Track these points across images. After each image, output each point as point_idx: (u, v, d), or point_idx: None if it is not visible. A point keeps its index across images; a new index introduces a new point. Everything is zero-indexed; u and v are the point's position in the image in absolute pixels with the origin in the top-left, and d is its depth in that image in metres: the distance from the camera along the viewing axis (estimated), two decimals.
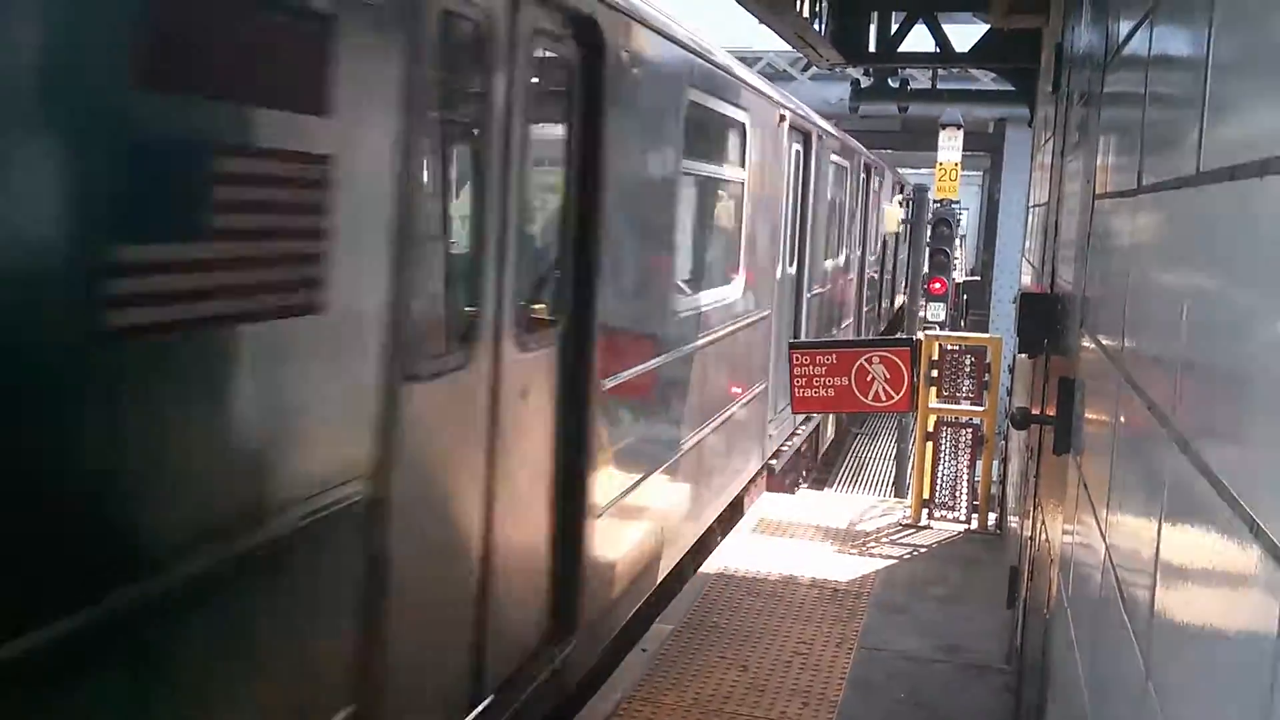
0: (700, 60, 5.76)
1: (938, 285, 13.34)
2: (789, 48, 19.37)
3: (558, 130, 4.11)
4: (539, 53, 3.80)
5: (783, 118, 7.63)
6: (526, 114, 3.61)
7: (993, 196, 25.98)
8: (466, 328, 3.38)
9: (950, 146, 13.19)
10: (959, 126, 13.24)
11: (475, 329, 3.40)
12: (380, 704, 2.90)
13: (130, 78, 1.94)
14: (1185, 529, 1.32)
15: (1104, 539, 2.04)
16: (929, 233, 12.88)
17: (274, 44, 2.35)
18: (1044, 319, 3.85)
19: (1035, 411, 3.92)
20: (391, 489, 2.83)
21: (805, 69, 20.24)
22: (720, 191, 6.94)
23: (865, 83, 8.06)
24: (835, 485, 13.35)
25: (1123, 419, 1.93)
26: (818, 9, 6.12)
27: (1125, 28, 2.30)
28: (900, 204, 17.26)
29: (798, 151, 8.43)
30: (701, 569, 6.54)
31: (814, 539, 7.17)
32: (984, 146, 23.04)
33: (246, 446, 2.33)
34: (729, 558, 6.72)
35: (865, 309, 14.74)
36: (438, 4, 3.01)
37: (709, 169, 6.45)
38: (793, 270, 8.91)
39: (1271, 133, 1.11)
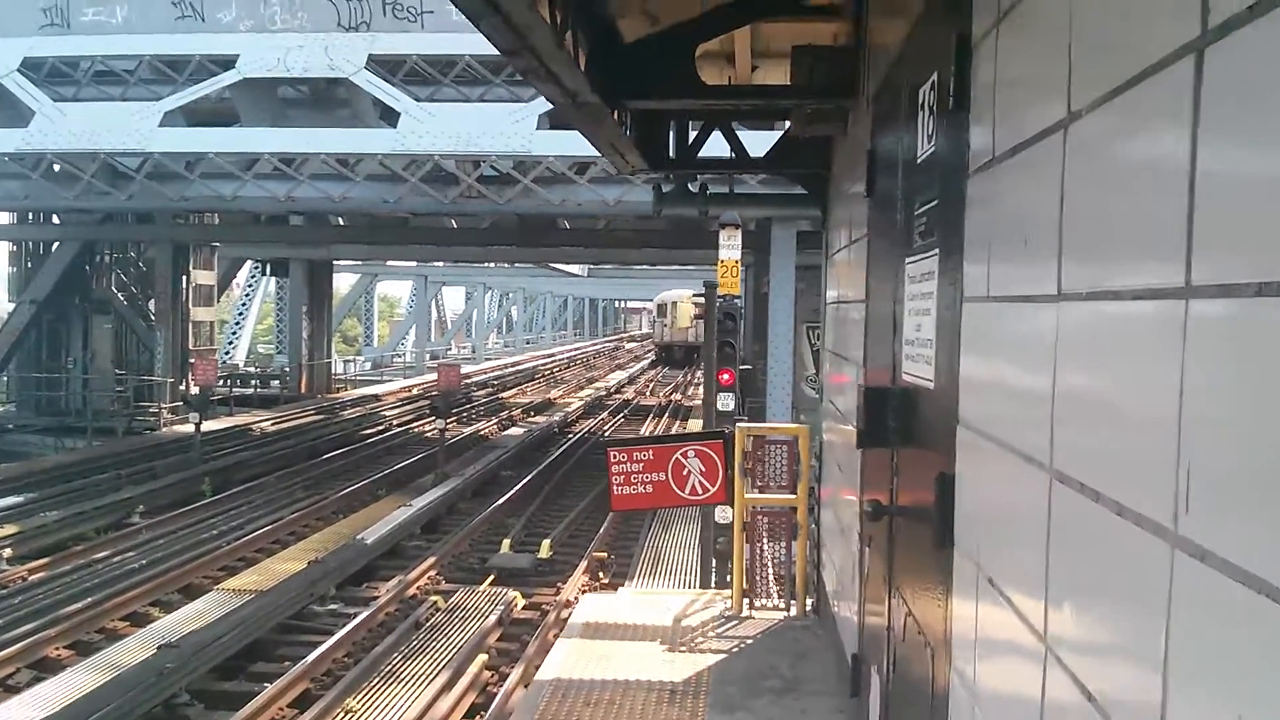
0: None
1: (726, 376, 13.66)
2: (566, 154, 19.83)
3: None
4: None
5: None
6: None
7: (758, 291, 26.96)
8: None
9: (730, 245, 13.69)
10: (737, 226, 13.81)
11: None
12: None
13: None
14: (1211, 628, 1.37)
15: (1041, 633, 2.11)
16: (716, 327, 13.27)
17: None
18: (890, 413, 4.00)
19: (884, 502, 4.04)
20: None
21: (580, 172, 20.69)
22: None
23: (667, 188, 8.29)
24: (635, 578, 13.29)
25: (1066, 519, 2.00)
26: (624, 119, 6.25)
27: (1010, 137, 2.44)
28: (691, 301, 17.80)
29: None
30: (535, 679, 6.37)
31: (642, 639, 7.13)
32: (746, 244, 24.17)
33: None
34: (560, 666, 6.58)
35: None
36: None
37: None
38: None
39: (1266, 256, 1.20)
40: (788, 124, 7.70)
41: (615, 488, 7.56)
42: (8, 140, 20.91)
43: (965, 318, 2.86)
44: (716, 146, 8.08)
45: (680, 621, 7.48)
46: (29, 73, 21.65)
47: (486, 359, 59.26)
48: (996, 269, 2.56)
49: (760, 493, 7.69)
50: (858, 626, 5.18)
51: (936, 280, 3.23)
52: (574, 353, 68.18)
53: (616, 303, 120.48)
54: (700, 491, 7.59)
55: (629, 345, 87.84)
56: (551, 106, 19.26)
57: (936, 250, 3.25)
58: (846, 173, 6.34)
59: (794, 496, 7.58)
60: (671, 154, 7.54)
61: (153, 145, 20.49)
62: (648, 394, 40.96)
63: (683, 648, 6.96)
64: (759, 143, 8.23)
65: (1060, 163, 2.09)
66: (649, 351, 68.17)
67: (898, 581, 3.86)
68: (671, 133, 7.52)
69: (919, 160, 3.60)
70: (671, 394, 40.18)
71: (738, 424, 7.88)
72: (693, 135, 7.72)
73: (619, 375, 50.79)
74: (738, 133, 8.09)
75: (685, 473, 7.52)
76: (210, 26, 21.28)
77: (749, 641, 7.10)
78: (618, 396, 39.56)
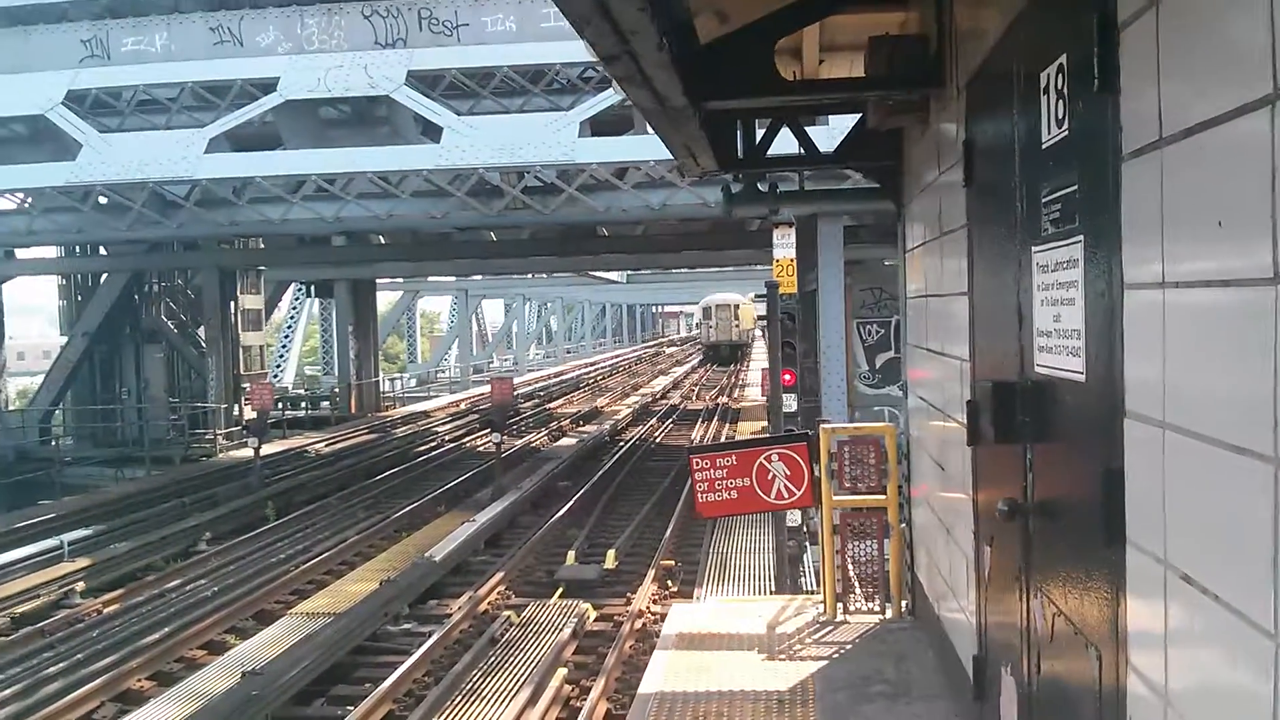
0: None
1: (787, 376, 13.56)
2: (608, 160, 19.80)
3: None
4: None
5: None
6: None
7: (803, 288, 26.62)
8: None
9: (784, 244, 13.67)
10: (790, 224, 13.75)
11: None
12: None
13: None
14: None
15: (1270, 630, 2.01)
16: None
17: None
18: (1021, 407, 3.89)
19: (1019, 500, 3.93)
20: None
21: (620, 177, 20.64)
22: None
23: (736, 188, 8.20)
24: (705, 585, 13.17)
25: None
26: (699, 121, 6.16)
27: (1185, 118, 2.34)
28: (754, 300, 17.72)
29: None
30: (639, 692, 6.30)
31: (739, 648, 7.03)
32: None
33: None
34: (660, 679, 6.49)
35: None
36: None
37: None
38: None
39: None
40: (857, 117, 7.61)
41: (700, 494, 7.47)
42: (56, 174, 21.15)
43: (1129, 306, 2.75)
44: (780, 144, 7.98)
45: (774, 629, 7.38)
46: (73, 105, 21.90)
47: (529, 370, 59.38)
48: (1174, 253, 2.45)
49: (849, 495, 7.57)
50: (976, 628, 5.06)
51: (1082, 268, 3.13)
52: (615, 360, 68.17)
53: (654, 308, 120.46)
54: (786, 495, 7.48)
55: (669, 350, 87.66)
56: (596, 113, 19.31)
57: (1080, 237, 3.15)
58: (927, 163, 6.23)
59: (883, 497, 7.45)
60: (740, 153, 7.45)
61: (200, 172, 20.66)
62: (694, 398, 40.89)
63: (781, 655, 6.85)
64: (815, 138, 8.11)
65: (1269, 140, 1.98)
66: (690, 355, 74.82)
67: (1039, 580, 3.75)
68: (739, 132, 7.43)
69: (1045, 146, 3.49)
70: (718, 397, 40.09)
71: (821, 425, 7.75)
72: (759, 134, 7.62)
73: (663, 380, 50.74)
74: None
75: (770, 477, 7.42)
76: (249, 50, 21.42)
77: (848, 646, 6.98)
78: (664, 402, 39.50)
